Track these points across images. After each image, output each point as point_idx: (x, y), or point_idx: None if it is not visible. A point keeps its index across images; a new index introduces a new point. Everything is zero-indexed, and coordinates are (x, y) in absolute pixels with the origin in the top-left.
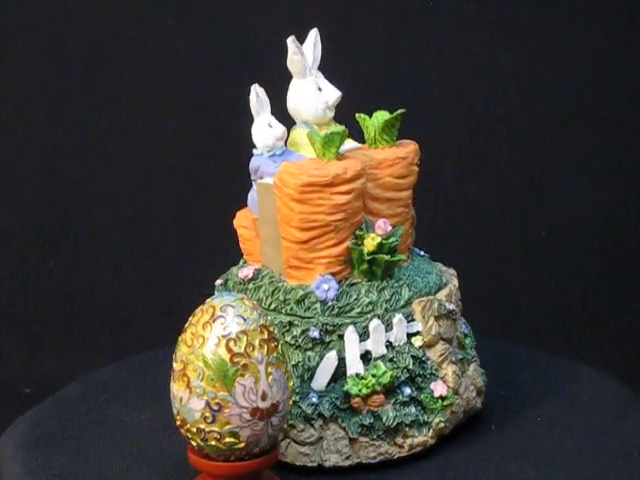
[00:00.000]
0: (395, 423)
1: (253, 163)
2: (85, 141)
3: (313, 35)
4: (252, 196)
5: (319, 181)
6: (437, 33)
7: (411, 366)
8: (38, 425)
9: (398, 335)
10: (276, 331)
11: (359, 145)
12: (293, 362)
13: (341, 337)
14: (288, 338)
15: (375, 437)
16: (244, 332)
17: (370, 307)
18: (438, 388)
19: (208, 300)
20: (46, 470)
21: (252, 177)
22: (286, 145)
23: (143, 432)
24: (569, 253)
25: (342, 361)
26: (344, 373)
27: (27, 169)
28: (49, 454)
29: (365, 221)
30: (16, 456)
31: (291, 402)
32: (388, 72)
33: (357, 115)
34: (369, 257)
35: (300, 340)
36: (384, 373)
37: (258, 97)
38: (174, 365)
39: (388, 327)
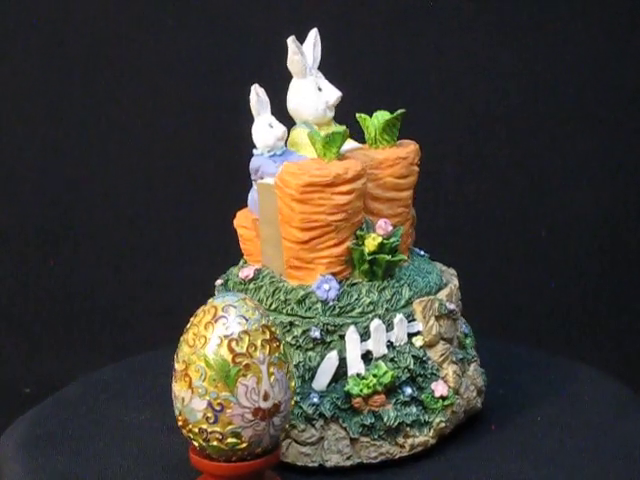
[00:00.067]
0: (396, 423)
1: (253, 163)
2: (85, 141)
3: (313, 35)
4: (252, 196)
5: (320, 181)
6: (437, 33)
7: (412, 366)
8: (38, 425)
9: (399, 335)
10: (278, 331)
11: (359, 145)
12: (294, 362)
13: (342, 337)
14: (289, 338)
15: (376, 437)
16: (246, 332)
17: (371, 307)
18: (439, 388)
19: (210, 300)
20: (46, 470)
21: (252, 177)
22: (286, 145)
23: (143, 432)
24: (569, 253)
25: (343, 361)
26: (345, 373)
27: (27, 169)
28: (49, 454)
29: (366, 221)
30: (16, 456)
31: (293, 402)
32: (388, 72)
33: (357, 115)
34: (370, 257)
35: (301, 340)
36: (385, 373)
37: (258, 97)
38: (176, 365)
39: (389, 327)
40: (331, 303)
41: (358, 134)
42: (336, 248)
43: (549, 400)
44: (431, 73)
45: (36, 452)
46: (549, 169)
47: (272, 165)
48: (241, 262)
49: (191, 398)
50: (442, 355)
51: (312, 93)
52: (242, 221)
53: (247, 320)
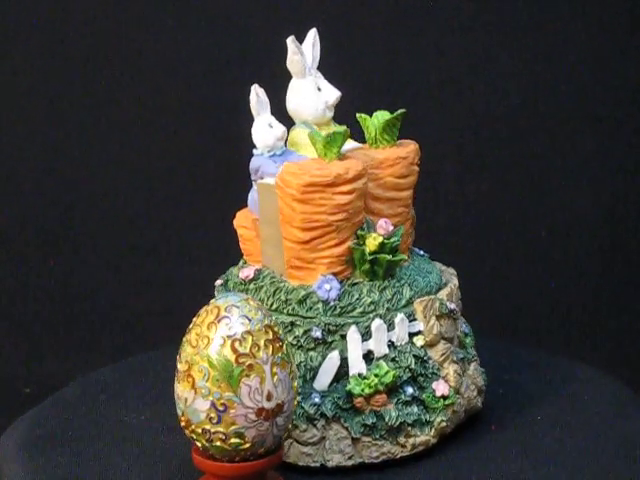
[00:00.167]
0: (398, 423)
1: (253, 163)
2: (85, 141)
3: (312, 35)
4: (252, 196)
5: (321, 181)
6: (437, 33)
7: (413, 365)
8: (38, 425)
9: (400, 335)
10: (281, 331)
11: (359, 145)
12: (295, 362)
13: (343, 337)
14: (290, 338)
15: (378, 437)
16: (249, 332)
17: (372, 307)
18: (440, 387)
19: (212, 301)
20: (46, 471)
21: (252, 177)
22: (286, 145)
23: (143, 432)
24: (569, 253)
25: (344, 361)
26: (346, 373)
27: (27, 169)
28: (49, 455)
29: (366, 221)
30: (16, 457)
31: (295, 402)
32: (388, 72)
33: (358, 115)
34: (371, 257)
35: (302, 340)
36: (387, 373)
37: (258, 97)
38: (178, 366)
39: (390, 327)
40: (332, 303)
41: (358, 134)
42: (337, 248)
43: (549, 400)
44: (431, 73)
45: (36, 453)
46: (549, 169)
47: (272, 165)
48: (241, 262)
49: (194, 398)
50: (443, 355)
51: (312, 93)
52: (242, 221)
53: (250, 320)
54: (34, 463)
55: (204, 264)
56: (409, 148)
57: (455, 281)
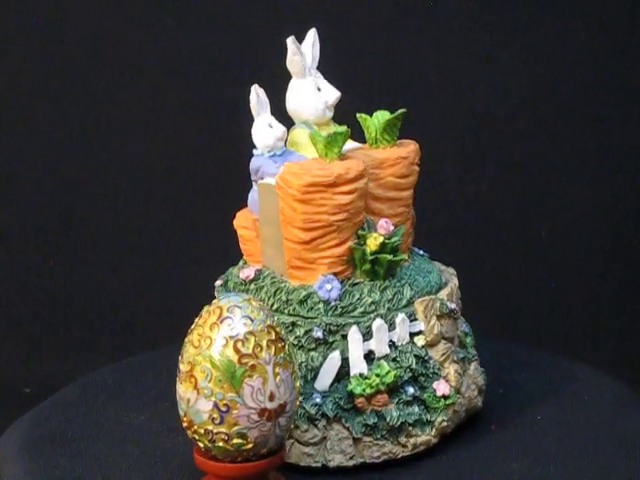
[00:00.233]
0: (399, 422)
1: (254, 163)
2: (85, 141)
3: (311, 35)
4: (252, 196)
5: (322, 181)
6: (437, 33)
7: (414, 365)
8: (37, 426)
9: (401, 335)
10: (283, 331)
11: (360, 145)
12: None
13: (344, 337)
14: (291, 338)
15: (379, 437)
16: (251, 333)
17: (373, 307)
18: (441, 387)
19: (215, 301)
20: (46, 471)
21: (252, 177)
22: (285, 145)
23: (143, 433)
24: (569, 253)
25: (345, 361)
26: (347, 373)
27: (27, 169)
28: (49, 456)
29: (367, 221)
30: (16, 458)
31: (298, 402)
32: (388, 72)
33: (358, 115)
34: (372, 257)
35: (303, 340)
36: (388, 372)
37: (258, 97)
38: (180, 366)
39: (391, 327)
40: (333, 303)
41: (357, 134)
42: (338, 248)
43: (549, 400)
44: (431, 73)
45: (36, 453)
46: (549, 169)
47: (272, 165)
48: (241, 262)
49: (197, 399)
50: (443, 354)
51: (312, 93)
52: (242, 221)
53: (252, 321)
54: (34, 463)
55: (204, 264)
56: (409, 148)
57: (455, 281)
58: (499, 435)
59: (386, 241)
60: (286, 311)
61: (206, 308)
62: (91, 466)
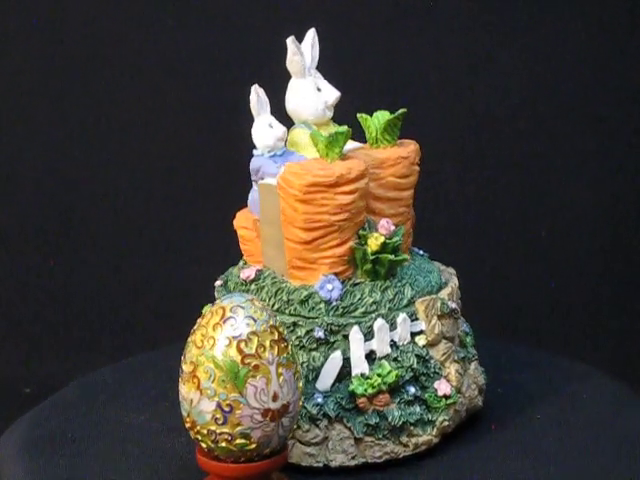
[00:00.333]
0: (400, 422)
1: (254, 164)
2: (85, 141)
3: (311, 35)
4: (252, 197)
5: (324, 181)
6: (437, 33)
7: (415, 365)
8: (38, 426)
9: (402, 334)
10: (286, 332)
11: (360, 145)
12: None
13: (346, 337)
14: (292, 339)
15: (381, 436)
16: (255, 333)
17: (374, 307)
18: (442, 387)
19: (217, 301)
20: (47, 471)
21: (253, 178)
22: (285, 145)
23: (143, 433)
24: (569, 253)
25: (347, 361)
26: (349, 373)
27: (27, 169)
28: (49, 455)
29: (368, 221)
30: (16, 458)
31: (300, 402)
32: (388, 72)
33: (358, 115)
34: (373, 257)
35: (305, 340)
36: (389, 372)
37: (258, 97)
38: (183, 367)
39: (392, 326)
40: (334, 303)
41: (357, 134)
42: (339, 248)
43: (549, 399)
44: (431, 73)
45: (36, 454)
46: (549, 169)
47: (273, 165)
48: (240, 263)
49: (200, 399)
50: (444, 354)
51: (311, 93)
52: (242, 222)
53: (255, 321)
54: (34, 464)
55: (204, 264)
56: (410, 148)
57: (455, 281)
58: (499, 435)
59: (387, 241)
60: (287, 311)
61: (206, 308)
62: (91, 466)
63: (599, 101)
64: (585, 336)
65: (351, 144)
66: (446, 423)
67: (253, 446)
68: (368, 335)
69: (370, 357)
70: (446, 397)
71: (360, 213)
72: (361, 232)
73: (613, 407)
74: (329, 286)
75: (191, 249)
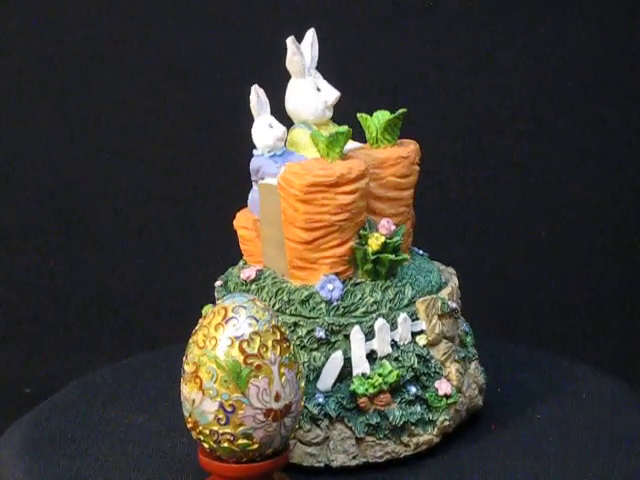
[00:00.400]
0: (401, 422)
1: (254, 164)
2: (85, 141)
3: (310, 35)
4: (252, 197)
5: (324, 181)
6: (437, 33)
7: (416, 365)
8: (38, 427)
9: (403, 334)
10: (287, 332)
11: (360, 145)
12: None
13: (347, 337)
14: (293, 339)
15: (382, 436)
16: (257, 333)
17: (375, 306)
18: (443, 386)
19: (219, 302)
20: (47, 473)
21: (253, 178)
22: (285, 145)
23: (143, 434)
24: (569, 253)
25: (347, 361)
26: (349, 373)
27: (27, 169)
28: (49, 457)
29: (368, 221)
30: (16, 458)
31: (302, 402)
32: (388, 72)
33: (358, 115)
34: (374, 257)
35: (305, 340)
36: (390, 372)
37: (258, 97)
38: (185, 367)
39: (393, 326)
40: (335, 303)
41: (357, 134)
42: (340, 248)
43: (549, 399)
44: (431, 73)
45: (36, 454)
46: (549, 169)
47: (273, 165)
48: (240, 263)
49: (202, 400)
50: (445, 354)
51: (311, 93)
52: (242, 222)
53: (257, 321)
54: (34, 464)
55: (204, 264)
56: (410, 148)
57: (455, 280)
58: (499, 435)
59: (388, 241)
60: (288, 311)
61: (206, 308)
62: (91, 467)
63: (599, 101)
64: (585, 336)
65: (351, 144)
66: (447, 423)
67: (255, 446)
68: (369, 335)
69: (371, 357)
70: (447, 397)
71: (361, 213)
72: (362, 232)
73: (613, 407)
74: (330, 286)
75: (191, 249)
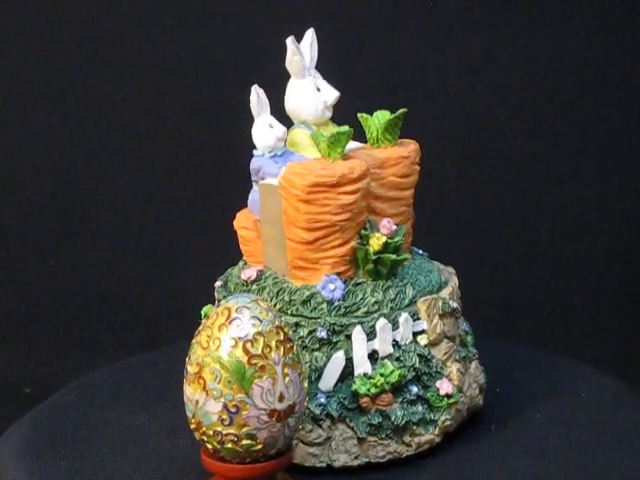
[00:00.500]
0: (403, 422)
1: (254, 164)
2: (85, 141)
3: (310, 35)
4: (252, 197)
5: (326, 181)
6: (437, 33)
7: (417, 364)
8: (37, 427)
9: (404, 334)
10: (291, 332)
11: (360, 145)
12: None
13: (348, 337)
14: (295, 339)
15: (384, 436)
16: (260, 333)
17: (376, 306)
18: (444, 386)
19: (222, 302)
20: (47, 473)
21: (253, 178)
22: (285, 145)
23: (143, 434)
24: (569, 253)
25: (349, 361)
26: (351, 373)
27: (27, 169)
28: (50, 457)
29: (369, 220)
30: (16, 459)
31: (306, 402)
32: (388, 72)
33: (359, 115)
34: (375, 257)
35: (307, 341)
36: (392, 372)
37: (258, 98)
38: (188, 368)
39: (394, 326)
40: (336, 303)
41: (357, 134)
42: (341, 248)
43: (549, 399)
44: (431, 73)
45: (36, 455)
46: (549, 169)
47: (273, 166)
48: (240, 263)
49: (205, 400)
50: (446, 353)
51: (311, 93)
52: (242, 222)
53: (261, 321)
54: (34, 465)
55: (204, 264)
56: (410, 147)
57: (455, 280)
58: (500, 434)
59: (389, 241)
60: (289, 311)
61: (205, 308)
62: (92, 467)
63: (599, 101)
64: (585, 336)
65: (352, 144)
66: (448, 422)
67: (259, 447)
68: (370, 335)
69: (373, 357)
70: (448, 396)
71: (362, 213)
72: (363, 232)
73: (613, 406)
74: (331, 286)
75: (191, 249)
